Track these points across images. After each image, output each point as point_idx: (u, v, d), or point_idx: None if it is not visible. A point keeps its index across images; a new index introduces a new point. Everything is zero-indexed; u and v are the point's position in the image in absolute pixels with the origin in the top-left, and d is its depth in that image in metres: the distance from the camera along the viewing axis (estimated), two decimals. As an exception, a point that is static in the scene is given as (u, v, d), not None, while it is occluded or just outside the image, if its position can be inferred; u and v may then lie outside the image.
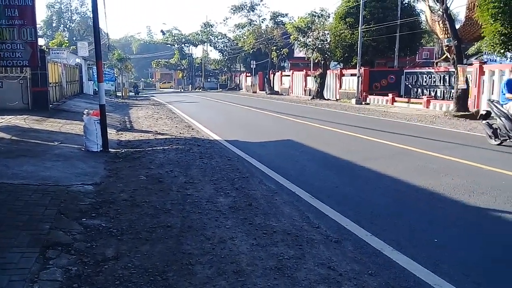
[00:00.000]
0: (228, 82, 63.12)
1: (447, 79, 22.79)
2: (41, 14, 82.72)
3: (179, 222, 4.72)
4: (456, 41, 17.59)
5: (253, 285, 3.36)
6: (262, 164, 7.88)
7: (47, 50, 20.86)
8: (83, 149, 8.72)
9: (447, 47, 18.75)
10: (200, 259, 3.81)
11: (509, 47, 15.24)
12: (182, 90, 61.65)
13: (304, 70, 38.24)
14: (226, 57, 59.46)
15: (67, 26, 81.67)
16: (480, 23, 16.36)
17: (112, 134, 10.25)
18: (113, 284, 3.36)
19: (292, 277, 3.47)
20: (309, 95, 33.44)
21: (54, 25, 78.87)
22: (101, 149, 8.73)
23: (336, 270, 3.60)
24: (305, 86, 36.57)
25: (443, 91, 23.23)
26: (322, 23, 32.61)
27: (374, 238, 4.29)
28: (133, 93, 44.34)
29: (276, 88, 43.14)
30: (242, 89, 55.44)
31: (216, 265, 3.70)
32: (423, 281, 3.45)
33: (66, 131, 11.26)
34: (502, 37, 14.83)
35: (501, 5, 14.19)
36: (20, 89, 14.92)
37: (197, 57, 68.64)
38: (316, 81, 31.60)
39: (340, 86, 30.88)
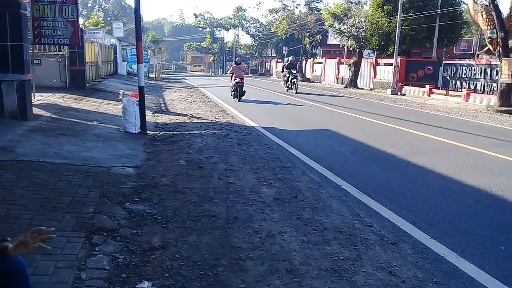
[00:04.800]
0: (259, 67, 62.56)
1: (489, 72, 21.92)
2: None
3: (224, 212, 4.55)
4: (502, 33, 16.68)
5: (309, 287, 3.14)
6: (302, 154, 7.63)
7: (84, 29, 21.01)
8: (121, 130, 8.65)
9: (489, 39, 17.72)
10: (250, 254, 3.62)
11: None
12: (213, 74, 61.58)
13: (337, 57, 37.42)
14: (258, 42, 58.90)
15: (102, 6, 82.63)
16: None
17: (148, 116, 10.15)
18: (162, 276, 3.21)
19: (350, 281, 3.23)
20: (342, 84, 32.75)
21: (89, 5, 79.93)
22: (139, 131, 8.65)
23: (397, 276, 3.34)
24: (338, 74, 35.80)
25: (484, 84, 22.37)
26: (358, 10, 31.78)
27: (435, 242, 3.99)
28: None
29: (307, 75, 42.41)
30: (272, 75, 54.82)
31: (267, 262, 3.50)
32: (496, 295, 3.16)
33: (103, 111, 11.25)
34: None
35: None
36: (58, 67, 15.00)
37: (228, 42, 68.34)
38: (350, 70, 30.87)
39: (375, 76, 30.10)
